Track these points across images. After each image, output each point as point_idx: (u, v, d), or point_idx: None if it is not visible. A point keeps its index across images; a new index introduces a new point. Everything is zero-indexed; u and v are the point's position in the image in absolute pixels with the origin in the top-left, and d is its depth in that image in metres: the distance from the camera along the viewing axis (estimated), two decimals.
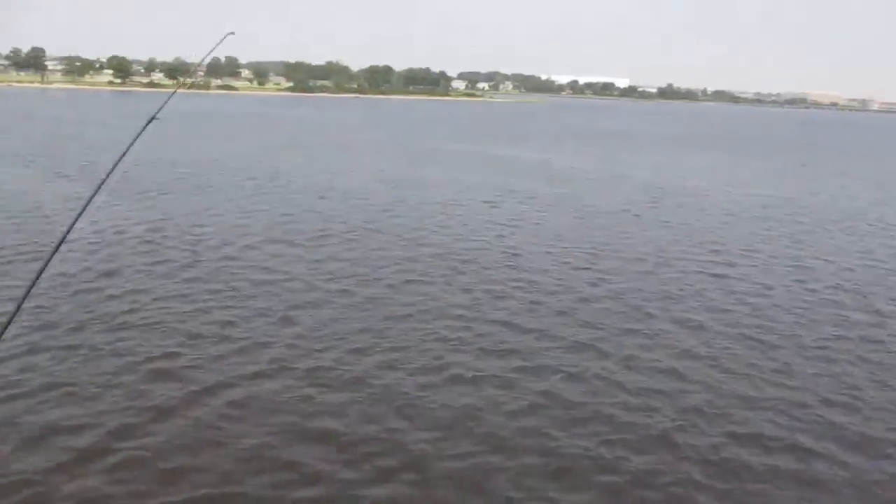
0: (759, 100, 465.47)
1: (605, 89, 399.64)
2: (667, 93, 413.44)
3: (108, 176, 6.33)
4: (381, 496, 9.68)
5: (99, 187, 6.08)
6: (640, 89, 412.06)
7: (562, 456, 10.89)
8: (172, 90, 9.75)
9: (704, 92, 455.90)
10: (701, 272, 22.43)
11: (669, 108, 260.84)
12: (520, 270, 21.80)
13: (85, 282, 18.67)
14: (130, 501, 9.19)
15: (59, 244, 5.22)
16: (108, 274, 19.63)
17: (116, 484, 9.59)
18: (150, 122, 7.40)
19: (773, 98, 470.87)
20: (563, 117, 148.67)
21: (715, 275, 22.16)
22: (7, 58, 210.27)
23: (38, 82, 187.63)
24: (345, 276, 20.50)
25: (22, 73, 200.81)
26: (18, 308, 4.55)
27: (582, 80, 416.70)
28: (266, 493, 9.58)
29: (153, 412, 11.57)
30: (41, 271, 4.89)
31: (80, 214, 5.59)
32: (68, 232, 5.29)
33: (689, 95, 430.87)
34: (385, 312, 17.28)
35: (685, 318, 17.67)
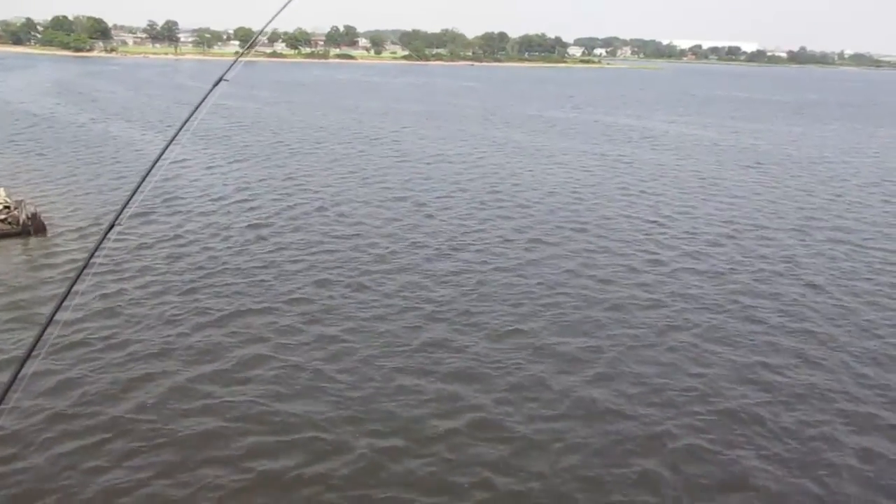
0: None
1: (731, 54, 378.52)
2: (799, 56, 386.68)
3: (176, 133, 6.60)
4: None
5: (169, 144, 6.39)
6: (769, 53, 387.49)
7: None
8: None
9: (841, 55, 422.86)
10: None
11: (803, 73, 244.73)
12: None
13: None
14: None
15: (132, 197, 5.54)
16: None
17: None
18: (216, 84, 7.55)
19: None
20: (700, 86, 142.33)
21: None
22: (144, 31, 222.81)
23: (172, 53, 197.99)
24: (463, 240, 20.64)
25: (157, 46, 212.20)
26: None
27: (706, 45, 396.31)
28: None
29: None
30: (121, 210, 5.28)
31: (152, 166, 5.93)
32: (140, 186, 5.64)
33: (823, 59, 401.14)
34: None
35: None
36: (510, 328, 14.68)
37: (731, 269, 18.82)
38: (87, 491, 9.25)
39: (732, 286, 17.52)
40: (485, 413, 11.19)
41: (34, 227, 20.64)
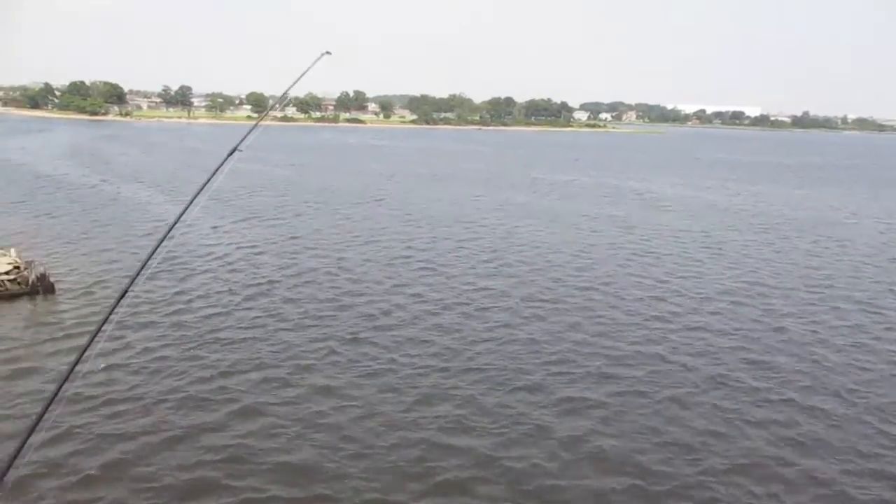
0: None
1: (735, 118, 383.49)
2: (802, 121, 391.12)
3: (190, 202, 6.76)
4: None
5: (183, 212, 6.54)
6: (772, 118, 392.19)
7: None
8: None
9: (844, 120, 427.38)
10: None
11: (806, 137, 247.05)
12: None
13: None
14: None
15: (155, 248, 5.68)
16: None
17: None
18: (230, 154, 7.78)
19: None
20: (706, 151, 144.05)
21: None
22: (159, 95, 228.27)
23: (185, 117, 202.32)
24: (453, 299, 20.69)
25: (171, 110, 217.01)
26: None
27: (710, 109, 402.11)
28: None
29: None
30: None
31: (164, 235, 6.09)
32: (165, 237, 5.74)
33: (826, 124, 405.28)
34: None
35: None
36: (514, 382, 14.72)
37: (737, 328, 18.74)
38: None
39: (737, 343, 17.48)
40: (488, 464, 11.06)
41: (43, 288, 20.87)
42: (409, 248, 29.10)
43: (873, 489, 11.23)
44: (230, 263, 25.20)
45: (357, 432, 12.59)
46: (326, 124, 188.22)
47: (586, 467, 11.75)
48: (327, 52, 9.84)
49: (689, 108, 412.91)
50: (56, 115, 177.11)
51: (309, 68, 9.80)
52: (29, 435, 4.49)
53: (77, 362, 5.15)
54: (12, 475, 4.34)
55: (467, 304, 20.77)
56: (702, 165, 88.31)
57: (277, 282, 22.74)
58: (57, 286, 21.24)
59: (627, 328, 18.93)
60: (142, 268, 6.19)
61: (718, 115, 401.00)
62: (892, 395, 14.93)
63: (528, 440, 12.62)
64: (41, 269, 21.24)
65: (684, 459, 12.09)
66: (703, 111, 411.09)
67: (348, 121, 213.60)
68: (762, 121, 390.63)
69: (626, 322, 19.46)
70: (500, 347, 17.22)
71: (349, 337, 17.61)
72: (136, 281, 6.02)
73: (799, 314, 20.70)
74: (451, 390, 14.44)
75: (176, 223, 6.58)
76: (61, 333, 17.15)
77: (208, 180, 6.88)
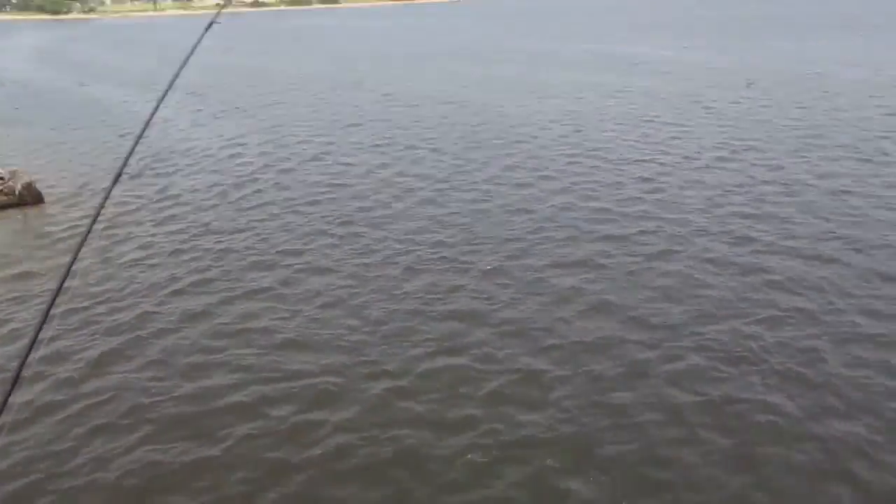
0: None
1: None
2: None
3: (172, 82, 6.66)
4: None
5: (165, 93, 6.48)
6: None
7: None
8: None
9: None
10: None
11: None
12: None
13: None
14: None
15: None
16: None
17: None
18: (208, 28, 7.63)
19: None
20: None
21: None
22: None
23: (152, 10, 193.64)
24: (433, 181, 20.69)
25: (136, 3, 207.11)
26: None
27: None
28: None
29: None
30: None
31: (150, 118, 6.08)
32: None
33: None
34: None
35: None
36: (502, 248, 15.12)
37: (728, 191, 18.78)
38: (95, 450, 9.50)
39: (729, 198, 17.76)
40: (483, 348, 11.40)
41: (31, 197, 20.51)
42: (392, 127, 28.69)
43: (864, 325, 11.60)
44: (213, 157, 24.92)
45: (352, 306, 12.91)
46: (300, 8, 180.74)
47: (578, 317, 12.13)
48: None
49: None
50: (15, 16, 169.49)
51: None
52: (38, 331, 4.60)
53: (72, 263, 5.20)
54: (26, 372, 4.49)
55: (454, 177, 20.77)
56: (682, 25, 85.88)
57: (263, 171, 22.60)
58: (45, 195, 20.96)
59: (615, 188, 19.00)
60: (123, 165, 6.13)
61: None
62: (878, 234, 15.23)
63: (518, 297, 13.00)
64: (26, 179, 20.79)
65: (676, 306, 12.43)
66: None
67: (322, 2, 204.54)
68: None
69: (612, 182, 19.50)
70: (487, 216, 17.35)
71: (342, 219, 17.69)
72: (120, 180, 5.98)
73: (790, 167, 20.69)
74: (440, 262, 14.75)
75: (159, 106, 6.47)
76: (57, 241, 17.05)
77: (189, 54, 6.76)
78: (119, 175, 5.83)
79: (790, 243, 14.78)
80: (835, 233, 15.34)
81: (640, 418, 9.39)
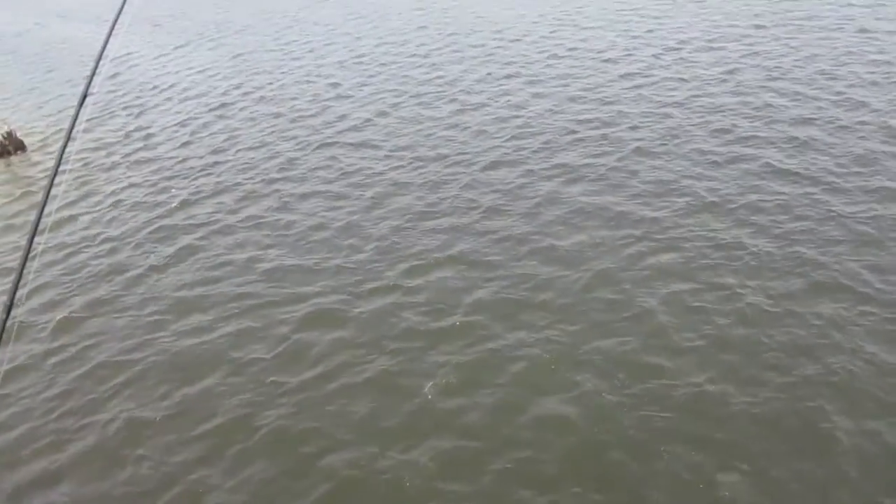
0: None
1: None
2: None
3: (119, 12, 6.45)
4: None
5: (113, 24, 6.30)
6: None
7: None
8: None
9: None
10: None
11: None
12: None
13: None
14: None
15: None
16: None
17: None
18: None
19: None
20: None
21: None
22: None
23: None
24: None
25: None
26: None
27: None
28: None
29: None
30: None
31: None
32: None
33: None
34: None
35: None
36: (483, 156, 15.30)
37: (706, 83, 18.50)
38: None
39: (697, 91, 17.53)
40: (461, 232, 11.73)
41: (13, 146, 20.18)
42: (361, 44, 27.73)
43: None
44: (182, 91, 24.22)
45: (338, 228, 13.01)
46: None
47: (564, 218, 12.37)
48: None
49: None
50: None
51: None
52: (16, 286, 4.62)
53: (41, 212, 5.15)
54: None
55: (428, 91, 20.36)
56: None
57: (235, 101, 22.07)
58: (26, 142, 20.44)
59: (587, 92, 18.64)
60: (82, 101, 5.97)
61: None
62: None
63: (502, 202, 13.28)
64: (6, 128, 20.34)
65: (659, 200, 12.57)
66: None
67: None
68: None
69: (585, 87, 19.07)
70: (465, 128, 17.18)
71: (322, 142, 17.50)
72: (79, 120, 5.83)
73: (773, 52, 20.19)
74: (420, 170, 15.07)
75: (109, 36, 6.27)
76: (44, 186, 16.75)
77: None
78: (77, 116, 5.71)
79: (770, 133, 14.68)
80: (816, 118, 15.23)
81: (632, 311, 9.66)
